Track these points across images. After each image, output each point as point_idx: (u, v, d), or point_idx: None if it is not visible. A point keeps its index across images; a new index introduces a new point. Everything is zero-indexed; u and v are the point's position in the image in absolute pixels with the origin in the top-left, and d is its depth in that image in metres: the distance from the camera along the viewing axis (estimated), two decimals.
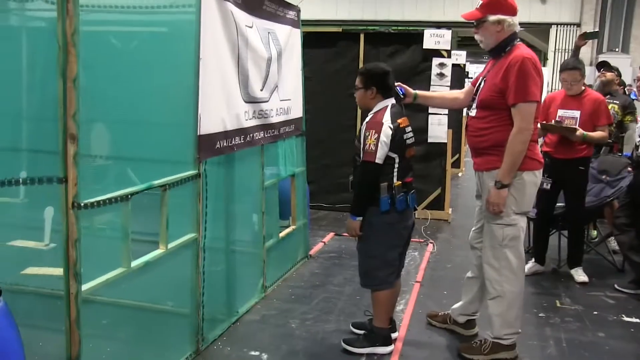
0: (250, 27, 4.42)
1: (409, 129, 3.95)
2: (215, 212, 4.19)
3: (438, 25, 7.94)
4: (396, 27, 8.22)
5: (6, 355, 2.59)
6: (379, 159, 3.76)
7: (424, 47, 7.89)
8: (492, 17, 3.85)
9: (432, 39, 7.84)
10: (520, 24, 4.00)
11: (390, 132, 3.77)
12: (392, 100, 3.95)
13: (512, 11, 3.89)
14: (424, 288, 5.45)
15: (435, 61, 7.90)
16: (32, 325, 4.04)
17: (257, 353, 4.08)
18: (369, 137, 3.75)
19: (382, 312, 4.14)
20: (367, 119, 3.89)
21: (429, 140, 8.07)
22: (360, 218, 3.94)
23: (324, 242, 6.85)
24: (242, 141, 4.38)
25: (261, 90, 4.65)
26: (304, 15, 5.76)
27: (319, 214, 8.13)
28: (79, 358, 3.06)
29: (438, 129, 8.04)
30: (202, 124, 3.81)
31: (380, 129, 3.75)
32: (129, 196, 3.36)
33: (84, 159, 3.07)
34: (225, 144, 4.13)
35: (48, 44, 3.04)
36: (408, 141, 3.94)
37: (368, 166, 3.79)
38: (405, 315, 4.79)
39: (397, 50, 8.09)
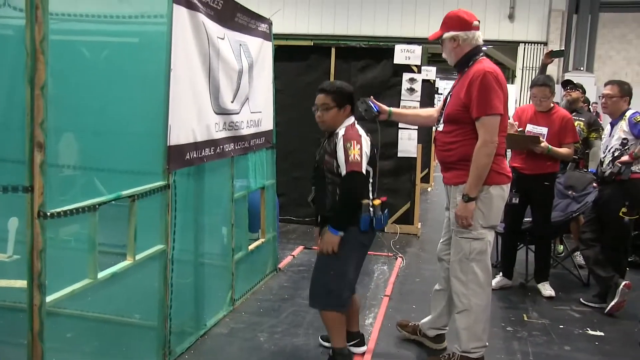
0: (222, 39, 4.41)
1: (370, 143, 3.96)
2: (185, 224, 4.15)
3: (409, 41, 8.01)
4: (367, 42, 8.28)
5: None
6: (364, 170, 3.68)
7: (395, 62, 7.96)
8: (447, 34, 3.95)
9: (403, 54, 7.92)
10: (490, 41, 4.13)
11: (369, 144, 3.77)
12: (353, 118, 3.94)
13: (466, 26, 3.93)
14: (392, 302, 5.46)
15: (406, 76, 7.96)
16: None
17: None
18: (351, 147, 3.63)
19: (340, 332, 4.01)
20: (342, 133, 3.76)
21: (399, 155, 8.12)
22: (342, 233, 3.74)
23: (293, 255, 6.83)
24: (212, 152, 4.36)
25: (232, 102, 4.64)
26: (275, 29, 5.78)
27: (288, 227, 8.10)
28: None
29: (408, 143, 8.10)
30: (172, 135, 3.78)
31: (361, 140, 3.69)
32: (97, 206, 3.31)
33: (50, 168, 3.02)
34: (195, 155, 4.10)
35: (16, 51, 3.00)
36: (377, 155, 3.92)
37: (356, 177, 3.65)
38: (374, 328, 4.79)
39: (368, 65, 8.15)
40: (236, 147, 4.81)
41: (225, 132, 4.57)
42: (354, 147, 3.64)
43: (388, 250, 7.17)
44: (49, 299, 3.05)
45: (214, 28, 4.26)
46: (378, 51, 8.14)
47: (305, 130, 8.22)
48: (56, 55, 2.96)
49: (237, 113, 4.77)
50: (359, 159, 3.62)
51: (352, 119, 3.87)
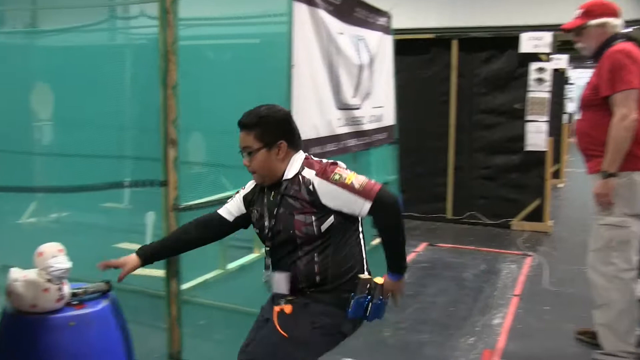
0: (342, 34, 4.47)
1: None
2: None
3: (533, 29, 7.68)
4: (490, 32, 8.04)
5: (119, 346, 2.74)
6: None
7: (521, 51, 7.65)
8: (594, 22, 3.82)
9: (530, 43, 7.60)
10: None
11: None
12: (304, 155, 2.66)
13: (614, 13, 3.85)
14: (522, 302, 5.25)
15: (533, 66, 7.64)
16: (137, 322, 4.25)
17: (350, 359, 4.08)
18: (341, 176, 2.48)
19: None
20: (307, 173, 2.54)
21: (527, 149, 7.81)
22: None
23: (416, 251, 6.78)
24: (335, 148, 4.42)
25: (353, 97, 4.69)
26: (394, 24, 5.75)
27: (411, 223, 8.02)
28: (180, 354, 3.18)
29: (536, 136, 7.77)
30: None
31: (337, 164, 2.60)
32: (226, 201, 3.46)
33: (182, 165, 3.21)
34: (318, 150, 4.18)
35: (150, 57, 3.21)
36: None
37: (386, 197, 2.49)
38: (503, 329, 4.64)
39: (492, 56, 7.92)
40: (358, 142, 4.85)
41: (347, 127, 4.62)
42: (343, 173, 2.51)
43: (516, 248, 6.94)
44: (186, 286, 3.24)
45: (333, 23, 4.32)
46: (502, 40, 7.88)
47: (427, 125, 8.18)
48: (184, 60, 3.14)
49: (359, 108, 4.81)
50: (364, 178, 2.51)
51: (300, 154, 2.63)
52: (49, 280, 2.59)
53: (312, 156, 2.66)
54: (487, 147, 8.04)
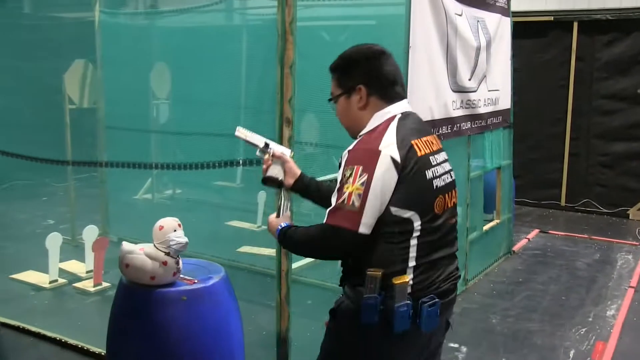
0: (460, 15, 4.33)
1: (440, 157, 2.05)
2: None
3: None
4: (613, 15, 7.56)
5: (228, 322, 2.79)
6: (365, 225, 1.86)
7: None
8: None
9: None
10: None
11: (392, 162, 1.87)
12: (402, 107, 2.05)
13: None
14: (639, 294, 4.98)
15: None
16: (246, 299, 4.35)
17: (456, 345, 3.99)
18: (351, 178, 1.87)
19: None
20: (352, 145, 2.00)
21: None
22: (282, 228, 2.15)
23: (528, 238, 6.55)
24: (449, 130, 4.31)
25: (469, 79, 4.55)
26: (513, 7, 5.53)
27: (523, 209, 7.79)
28: (288, 332, 3.21)
29: None
30: None
31: (373, 167, 1.86)
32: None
33: (296, 145, 3.20)
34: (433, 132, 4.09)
35: (266, 38, 3.22)
36: (437, 181, 1.97)
37: (340, 236, 1.88)
38: (617, 321, 4.41)
39: (615, 39, 7.46)
40: (473, 126, 4.71)
41: (462, 110, 4.50)
42: (355, 178, 1.86)
43: (633, 238, 6.58)
44: (294, 266, 3.26)
45: (451, 5, 4.19)
46: (628, 22, 7.38)
47: (544, 110, 7.87)
48: (301, 40, 3.12)
49: (475, 91, 4.67)
50: (356, 203, 1.85)
51: (389, 111, 2.02)
52: (168, 254, 2.66)
53: (397, 119, 1.98)
54: (606, 134, 7.63)
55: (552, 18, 7.89)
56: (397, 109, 2.01)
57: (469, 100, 4.58)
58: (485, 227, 5.40)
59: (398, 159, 1.86)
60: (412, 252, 1.90)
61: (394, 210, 1.87)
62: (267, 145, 2.31)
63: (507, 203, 5.88)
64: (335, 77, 2.10)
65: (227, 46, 5.77)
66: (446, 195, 2.00)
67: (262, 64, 4.41)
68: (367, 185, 1.84)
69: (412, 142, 1.91)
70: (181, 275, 2.77)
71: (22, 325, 4.02)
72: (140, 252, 2.69)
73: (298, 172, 2.35)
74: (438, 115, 4.12)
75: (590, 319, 4.46)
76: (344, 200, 1.86)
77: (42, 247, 4.75)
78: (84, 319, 4.27)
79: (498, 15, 5.08)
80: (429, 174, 1.93)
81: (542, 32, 7.85)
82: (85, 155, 6.22)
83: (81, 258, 5.12)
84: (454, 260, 2.08)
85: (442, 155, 2.05)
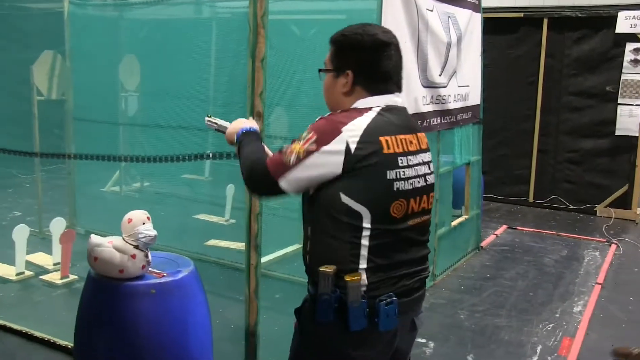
0: (431, 11, 4.35)
1: (416, 158, 1.94)
2: None
3: (633, 8, 7.26)
4: (583, 12, 7.68)
5: (196, 316, 2.78)
6: (287, 182, 1.86)
7: (617, 31, 7.26)
8: None
9: (628, 22, 7.19)
10: None
11: (344, 149, 1.80)
12: (387, 99, 1.96)
13: None
14: (605, 291, 5.06)
15: (630, 46, 7.23)
16: (214, 293, 4.34)
17: (424, 340, 4.02)
18: (303, 140, 1.85)
19: None
20: (326, 115, 1.97)
21: (617, 133, 7.46)
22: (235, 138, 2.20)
23: (495, 234, 6.62)
24: (420, 126, 4.33)
25: (440, 75, 4.57)
26: (484, 2, 5.57)
27: (491, 205, 7.88)
28: (256, 326, 3.21)
29: (629, 120, 7.40)
30: None
31: (328, 140, 1.82)
32: None
33: (266, 139, 3.19)
34: None
35: (235, 31, 3.21)
36: (400, 184, 1.88)
37: (263, 173, 1.92)
38: (584, 317, 4.48)
39: (584, 36, 7.56)
40: (443, 121, 4.74)
41: (432, 106, 4.52)
42: (306, 142, 1.84)
43: (600, 235, 6.68)
44: (263, 260, 3.25)
45: (423, 0, 4.20)
46: (597, 20, 7.49)
47: (514, 106, 7.96)
48: (271, 33, 3.11)
49: (445, 86, 4.69)
50: (293, 160, 1.84)
51: (371, 101, 1.93)
52: (137, 247, 2.65)
53: (375, 111, 1.89)
54: (574, 131, 7.73)
55: (522, 14, 7.98)
56: (381, 100, 1.93)
57: (439, 95, 4.60)
58: (454, 223, 5.45)
59: (352, 149, 1.80)
60: (364, 252, 1.85)
61: (343, 197, 1.82)
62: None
63: (476, 199, 5.93)
64: (331, 51, 2.02)
65: (196, 39, 5.73)
66: (411, 199, 1.91)
67: (232, 57, 4.40)
68: (309, 153, 1.82)
69: (381, 138, 1.84)
70: (150, 269, 2.76)
71: None
72: (108, 245, 2.67)
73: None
74: (408, 110, 4.11)
75: (557, 315, 4.52)
76: (286, 151, 1.87)
77: (8, 239, 4.70)
78: (51, 311, 4.22)
79: (469, 11, 5.12)
80: (390, 174, 1.85)
81: (512, 28, 7.92)
82: (54, 147, 6.14)
83: (48, 250, 5.06)
84: (423, 262, 2.02)
85: (420, 157, 1.96)
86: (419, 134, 2.01)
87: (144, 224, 2.69)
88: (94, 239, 2.72)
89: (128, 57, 6.34)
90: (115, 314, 2.61)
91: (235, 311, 3.81)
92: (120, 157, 5.60)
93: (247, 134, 2.15)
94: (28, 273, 4.79)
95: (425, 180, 1.96)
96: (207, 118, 2.40)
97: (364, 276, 1.85)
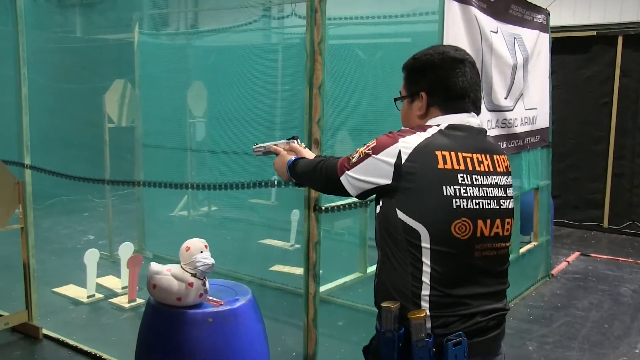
0: (495, 33, 4.26)
1: (487, 179, 1.84)
2: None
3: None
4: None
5: (253, 344, 2.77)
6: (347, 177, 1.89)
7: None
8: None
9: None
10: None
11: (396, 157, 1.77)
12: (458, 119, 1.86)
13: None
14: None
15: None
16: (276, 319, 4.34)
17: None
18: (365, 145, 1.87)
19: None
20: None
21: None
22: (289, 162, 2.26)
23: (567, 261, 6.36)
24: (501, 148, 4.24)
25: (505, 98, 4.46)
26: (553, 21, 5.43)
27: (562, 230, 7.60)
28: (315, 355, 3.17)
29: None
30: None
31: (386, 145, 1.80)
32: (368, 203, 3.41)
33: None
34: None
35: (298, 56, 3.22)
36: (462, 201, 1.78)
37: (330, 168, 1.99)
38: None
39: None
40: (509, 146, 4.62)
41: (498, 130, 4.41)
42: (368, 146, 1.85)
43: None
44: (322, 288, 3.23)
45: (486, 21, 4.13)
46: None
47: (585, 128, 7.70)
48: (335, 58, 3.11)
49: (511, 110, 4.58)
50: (353, 160, 1.88)
51: (441, 120, 1.86)
52: (194, 275, 2.66)
53: (441, 128, 1.83)
54: None
55: (594, 32, 7.73)
56: (448, 120, 1.85)
57: (504, 119, 4.49)
58: (522, 250, 5.27)
59: (403, 160, 1.76)
60: (426, 279, 1.75)
61: (399, 214, 1.77)
62: (293, 137, 2.40)
63: (545, 224, 5.73)
64: (404, 77, 1.99)
65: (262, 64, 5.81)
66: (479, 221, 1.79)
67: (294, 82, 4.44)
68: (367, 156, 1.83)
69: (437, 152, 1.77)
70: (208, 297, 2.77)
71: (61, 337, 4.13)
72: (167, 273, 2.70)
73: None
74: None
75: (636, 351, 4.27)
76: (353, 153, 1.90)
77: (82, 262, 4.87)
78: (119, 334, 4.31)
79: (536, 32, 5.00)
80: (448, 190, 1.75)
81: (583, 47, 7.69)
82: (125, 172, 6.34)
83: (118, 274, 5.20)
84: (500, 298, 1.87)
85: (493, 179, 1.85)
86: (495, 156, 1.90)
87: (201, 252, 2.71)
88: (153, 266, 2.76)
89: (196, 83, 6.50)
90: (173, 341, 2.62)
91: (297, 338, 3.79)
92: (186, 184, 5.72)
93: (296, 160, 2.23)
94: (98, 296, 4.93)
95: (499, 204, 1.85)
96: (254, 147, 2.47)
97: (428, 310, 1.75)
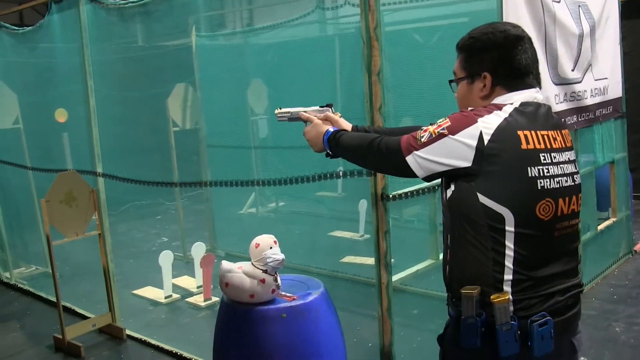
0: (558, 2, 4.09)
1: (562, 156, 1.82)
2: None
3: None
4: None
5: (329, 337, 2.76)
6: (415, 157, 1.80)
7: None
8: None
9: None
10: None
11: (477, 139, 1.72)
12: (525, 95, 1.83)
13: None
14: None
15: None
16: (350, 310, 4.32)
17: None
18: (437, 124, 1.80)
19: None
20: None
21: None
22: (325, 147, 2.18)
23: None
24: (564, 123, 4.09)
25: (572, 70, 4.28)
26: None
27: None
28: (391, 346, 3.13)
29: None
30: None
31: (463, 127, 1.75)
32: (436, 188, 3.34)
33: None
34: None
35: (355, 45, 3.18)
36: (545, 182, 1.75)
37: (393, 149, 1.87)
38: None
39: None
40: (580, 119, 4.44)
41: (567, 104, 4.25)
42: (440, 126, 1.78)
43: None
44: (395, 277, 3.19)
45: None
46: None
47: None
48: (392, 44, 3.05)
49: (579, 82, 4.40)
50: (423, 139, 1.79)
51: (510, 98, 1.83)
52: (265, 271, 2.67)
53: (515, 105, 1.79)
54: None
55: None
56: (519, 97, 1.81)
57: (573, 92, 4.31)
58: (600, 227, 5.07)
59: (486, 141, 1.71)
60: (509, 262, 1.72)
61: (481, 198, 1.72)
62: (328, 105, 2.31)
63: (624, 199, 5.50)
64: (461, 58, 1.93)
65: (319, 57, 5.78)
66: (560, 199, 1.77)
67: (353, 71, 4.39)
68: (441, 136, 1.76)
69: (519, 132, 1.73)
70: (281, 292, 2.77)
71: (143, 337, 4.29)
72: (238, 271, 2.72)
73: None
74: None
75: None
76: (419, 132, 1.82)
77: (157, 264, 5.00)
78: (197, 332, 4.40)
79: None
80: (532, 171, 1.72)
81: None
82: (192, 174, 6.46)
83: (192, 274, 5.31)
84: (575, 275, 1.85)
85: (566, 155, 1.83)
86: (563, 131, 1.87)
87: (271, 248, 2.71)
88: (225, 264, 2.78)
89: (255, 81, 6.54)
90: (248, 339, 2.64)
91: (372, 328, 3.75)
92: (252, 181, 5.77)
93: (337, 132, 2.11)
94: (175, 296, 5.05)
95: (573, 180, 1.83)
96: (277, 111, 2.38)
97: (511, 294, 1.72)
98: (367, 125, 2.73)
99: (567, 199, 1.79)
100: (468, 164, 1.72)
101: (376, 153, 1.92)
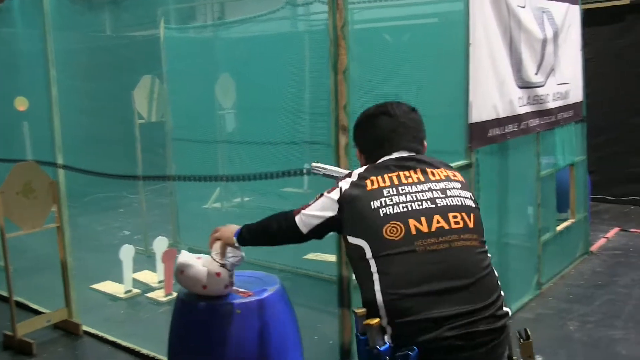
0: (523, 7, 4.16)
1: (415, 187, 2.07)
2: (488, 203, 4.02)
3: None
4: None
5: (284, 334, 2.76)
6: (301, 216, 2.24)
7: None
8: None
9: None
10: None
11: (339, 191, 2.14)
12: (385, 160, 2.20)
13: None
14: None
15: None
16: (312, 307, 4.33)
17: None
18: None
19: None
20: None
21: None
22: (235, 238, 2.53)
23: (606, 237, 6.24)
24: (516, 129, 4.15)
25: (536, 74, 4.37)
26: None
27: (600, 206, 7.44)
28: (351, 343, 3.14)
29: None
30: (473, 112, 3.69)
31: (333, 189, 2.19)
32: None
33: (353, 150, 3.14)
34: (497, 132, 3.95)
35: (322, 43, 3.19)
36: (389, 209, 2.02)
37: (287, 214, 2.33)
38: None
39: None
40: (542, 122, 4.53)
41: (530, 107, 4.33)
42: (323, 194, 2.22)
43: None
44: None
45: None
46: None
47: (622, 100, 7.50)
48: (360, 43, 3.05)
49: (542, 85, 4.48)
50: (309, 202, 2.26)
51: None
52: (223, 265, 2.65)
53: (397, 158, 2.17)
54: None
55: (628, 1, 7.50)
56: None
57: (536, 95, 4.40)
58: (559, 227, 5.17)
59: (343, 190, 2.12)
60: (377, 286, 1.94)
61: (348, 238, 2.08)
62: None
63: (582, 201, 5.62)
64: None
65: (289, 53, 5.78)
66: (409, 220, 1.99)
67: (319, 68, 4.41)
68: (320, 196, 2.21)
69: (367, 180, 2.09)
70: (236, 288, 2.76)
71: (101, 334, 4.20)
72: (196, 261, 2.70)
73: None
74: (503, 113, 3.97)
75: None
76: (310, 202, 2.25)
77: (118, 258, 4.92)
78: (156, 328, 4.33)
79: (565, 4, 4.88)
80: (375, 203, 2.03)
81: (617, 17, 7.48)
82: (157, 167, 6.39)
83: (154, 268, 5.25)
84: (473, 302, 1.91)
85: (425, 186, 2.08)
86: (429, 169, 2.15)
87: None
88: (183, 254, 2.76)
89: (223, 75, 6.49)
90: (202, 335, 2.62)
91: (333, 326, 3.74)
92: (219, 176, 5.74)
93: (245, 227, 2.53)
94: (135, 291, 4.98)
95: (434, 203, 2.04)
96: (313, 164, 2.69)
97: (381, 319, 1.90)
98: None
99: (421, 219, 2.00)
100: (334, 212, 2.13)
101: (281, 222, 2.32)
